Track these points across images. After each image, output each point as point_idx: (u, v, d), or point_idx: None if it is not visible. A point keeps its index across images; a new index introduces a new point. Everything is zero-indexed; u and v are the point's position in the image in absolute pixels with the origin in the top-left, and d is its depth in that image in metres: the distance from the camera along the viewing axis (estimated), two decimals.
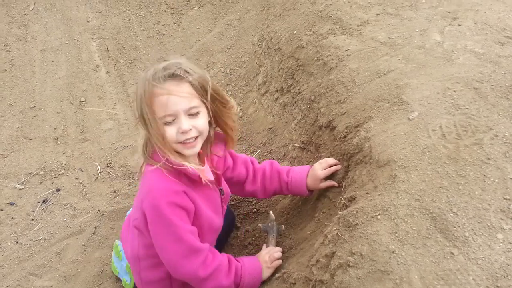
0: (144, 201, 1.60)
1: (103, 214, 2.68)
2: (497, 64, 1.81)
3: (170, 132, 1.56)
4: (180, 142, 1.57)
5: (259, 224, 1.99)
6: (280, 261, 1.79)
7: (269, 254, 1.80)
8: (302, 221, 2.07)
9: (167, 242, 1.58)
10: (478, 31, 2.06)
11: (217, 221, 1.79)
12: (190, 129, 1.56)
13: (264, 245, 1.92)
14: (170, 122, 1.55)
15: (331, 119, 2.04)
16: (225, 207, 1.90)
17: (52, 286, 2.28)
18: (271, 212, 1.95)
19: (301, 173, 1.96)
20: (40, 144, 3.33)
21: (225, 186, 1.87)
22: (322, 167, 1.90)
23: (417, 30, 2.16)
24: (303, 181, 1.94)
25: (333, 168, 1.89)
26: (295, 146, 2.41)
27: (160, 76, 1.52)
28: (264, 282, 1.78)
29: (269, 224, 1.93)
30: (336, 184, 1.88)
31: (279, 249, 1.86)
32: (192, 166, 1.58)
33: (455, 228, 1.24)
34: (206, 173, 1.69)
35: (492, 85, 1.68)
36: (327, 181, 1.91)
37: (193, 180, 1.63)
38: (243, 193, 2.05)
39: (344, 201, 1.67)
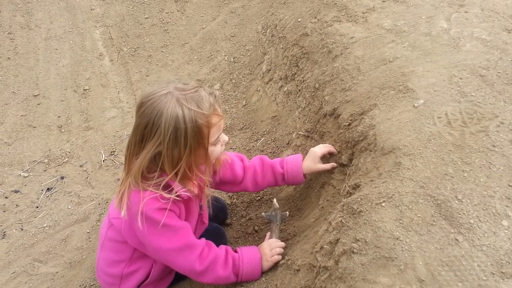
0: (133, 217, 1.57)
1: (107, 202, 2.69)
2: (504, 51, 1.79)
3: (218, 149, 1.64)
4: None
5: (262, 213, 1.99)
6: (280, 257, 1.78)
7: (271, 248, 1.80)
8: (306, 209, 2.08)
9: (161, 243, 1.58)
10: (485, 18, 2.03)
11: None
12: None
13: (268, 234, 1.92)
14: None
15: (336, 107, 2.03)
16: (206, 223, 1.89)
17: (57, 272, 2.30)
18: (274, 200, 1.95)
19: (296, 161, 1.98)
20: (44, 132, 3.33)
21: (204, 203, 1.84)
22: (319, 146, 1.97)
23: (423, 17, 2.14)
24: (299, 169, 1.96)
25: (332, 149, 1.94)
26: (299, 134, 2.41)
27: (213, 103, 1.53)
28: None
29: (273, 212, 1.93)
30: (335, 165, 1.92)
31: (281, 244, 1.84)
32: (185, 193, 1.58)
33: (460, 215, 1.24)
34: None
35: (499, 72, 1.66)
36: (326, 164, 1.94)
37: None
38: (233, 190, 2.07)
39: (348, 188, 1.66)
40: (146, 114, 1.48)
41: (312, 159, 1.94)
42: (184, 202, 1.64)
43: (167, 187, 1.55)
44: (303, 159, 1.98)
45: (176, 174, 1.53)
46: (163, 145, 1.47)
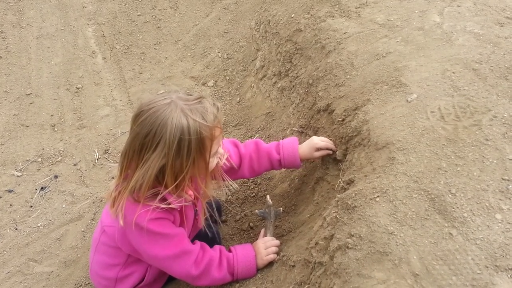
0: (127, 227, 1.56)
1: (101, 201, 2.68)
2: (497, 45, 1.80)
3: (214, 162, 1.60)
4: None
5: (256, 210, 1.99)
6: (275, 255, 1.77)
7: (266, 246, 1.79)
8: (301, 205, 2.08)
9: (156, 251, 1.57)
10: (477, 12, 2.04)
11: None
12: None
13: (262, 231, 1.92)
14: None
15: (329, 102, 2.03)
16: (200, 227, 1.84)
17: (52, 271, 2.29)
18: (268, 197, 1.95)
19: (292, 146, 1.92)
20: (37, 131, 3.31)
21: (200, 207, 1.80)
22: (320, 138, 1.91)
23: (416, 11, 2.14)
24: (295, 154, 1.90)
25: (331, 146, 1.89)
26: (294, 130, 2.40)
27: (217, 116, 1.49)
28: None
29: (266, 209, 1.93)
30: (330, 152, 1.89)
31: (276, 242, 1.82)
32: (180, 204, 1.56)
33: (453, 209, 1.24)
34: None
35: (491, 66, 1.67)
36: (322, 150, 1.90)
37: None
38: (231, 179, 2.03)
39: (342, 184, 1.66)
40: (147, 123, 1.42)
41: (310, 148, 1.89)
42: (178, 209, 1.63)
43: (162, 198, 1.53)
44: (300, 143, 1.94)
45: (177, 186, 1.50)
46: (168, 157, 1.43)
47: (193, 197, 1.67)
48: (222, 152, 1.67)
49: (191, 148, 1.43)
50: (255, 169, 1.95)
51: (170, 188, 1.50)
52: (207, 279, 1.68)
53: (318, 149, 1.90)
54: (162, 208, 1.52)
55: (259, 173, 2.00)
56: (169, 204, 1.52)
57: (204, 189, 1.64)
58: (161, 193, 1.50)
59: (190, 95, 1.51)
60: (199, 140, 1.44)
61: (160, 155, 1.43)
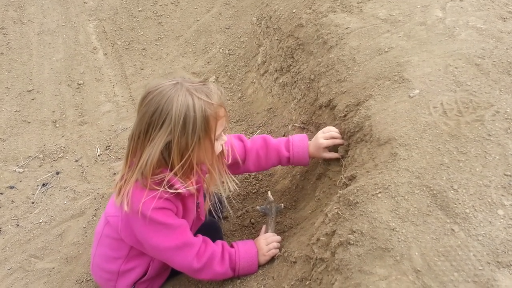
0: (130, 215, 1.57)
1: (103, 197, 2.68)
2: (499, 40, 1.78)
3: (218, 147, 1.61)
4: None
5: (257, 206, 1.98)
6: (277, 250, 1.77)
7: (267, 242, 1.79)
8: (302, 201, 2.07)
9: (158, 241, 1.58)
10: (480, 7, 2.02)
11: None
12: None
13: (263, 227, 1.92)
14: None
15: (331, 98, 2.02)
16: (203, 219, 1.86)
17: (54, 268, 2.29)
18: (269, 193, 1.94)
19: (302, 144, 1.91)
20: (39, 127, 3.31)
21: (201, 200, 1.82)
22: (325, 136, 1.87)
23: (419, 6, 2.12)
24: (305, 153, 1.90)
25: (337, 141, 1.85)
26: (295, 126, 2.40)
27: (221, 96, 1.52)
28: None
29: (267, 206, 1.92)
30: (339, 155, 1.84)
31: (278, 238, 1.83)
32: (187, 189, 1.56)
33: (455, 205, 1.23)
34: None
35: (494, 61, 1.65)
36: (331, 152, 1.87)
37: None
38: (235, 173, 2.01)
39: (344, 180, 1.66)
40: (154, 102, 1.46)
41: (316, 147, 1.87)
42: (181, 200, 1.63)
43: (168, 184, 1.53)
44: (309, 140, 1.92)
45: (182, 166, 1.51)
46: (174, 134, 1.45)
47: (194, 190, 1.67)
48: (225, 139, 1.68)
49: (196, 126, 1.46)
50: (261, 164, 1.95)
51: (176, 168, 1.50)
52: (209, 273, 1.68)
53: (325, 149, 1.87)
54: (169, 195, 1.53)
55: (266, 168, 2.00)
56: (176, 189, 1.53)
57: (213, 172, 1.65)
58: (168, 175, 1.51)
59: (194, 78, 1.54)
60: (204, 117, 1.47)
61: (166, 132, 1.45)
